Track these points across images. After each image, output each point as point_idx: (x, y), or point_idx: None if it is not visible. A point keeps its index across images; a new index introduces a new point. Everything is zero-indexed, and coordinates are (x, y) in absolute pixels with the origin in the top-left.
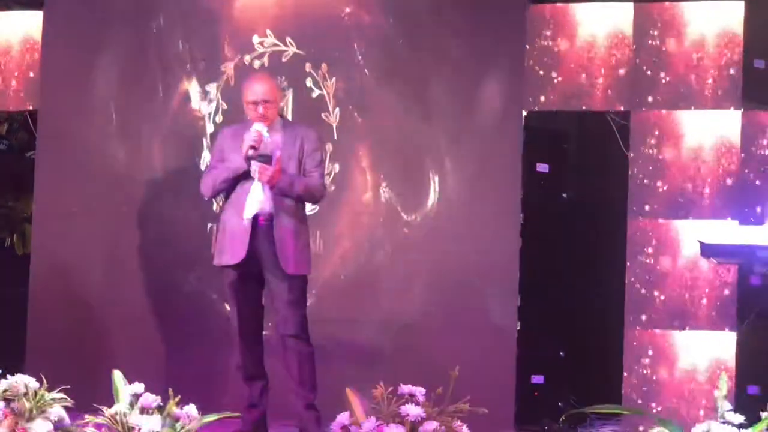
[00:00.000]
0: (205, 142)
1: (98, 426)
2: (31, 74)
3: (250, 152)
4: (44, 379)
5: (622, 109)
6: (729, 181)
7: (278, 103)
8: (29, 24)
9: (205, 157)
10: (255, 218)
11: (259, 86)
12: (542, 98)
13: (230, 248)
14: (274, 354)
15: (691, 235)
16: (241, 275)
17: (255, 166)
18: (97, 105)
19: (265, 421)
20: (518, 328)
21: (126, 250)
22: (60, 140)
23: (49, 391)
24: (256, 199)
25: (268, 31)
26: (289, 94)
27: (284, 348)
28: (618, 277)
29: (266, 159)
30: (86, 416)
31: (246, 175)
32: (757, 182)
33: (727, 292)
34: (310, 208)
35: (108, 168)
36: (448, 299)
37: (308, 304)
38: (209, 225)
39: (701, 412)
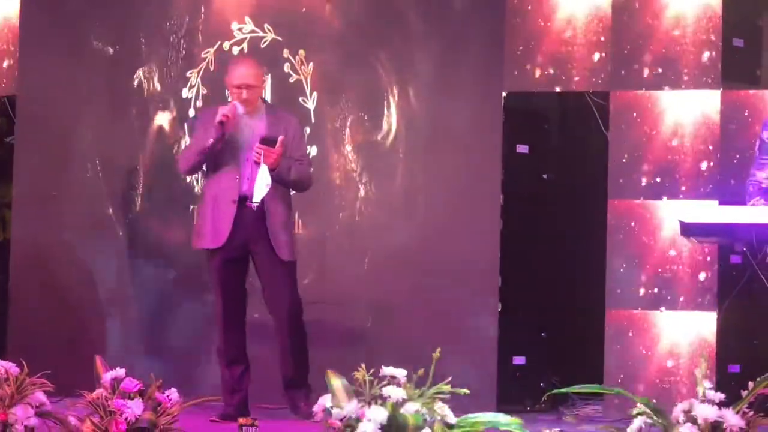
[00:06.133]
0: (186, 126)
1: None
2: (9, 59)
3: (222, 118)
4: (25, 364)
5: (601, 89)
6: (708, 161)
7: (261, 87)
8: (7, 8)
9: (187, 141)
10: (242, 202)
11: (244, 70)
12: (522, 79)
13: (212, 231)
14: (255, 338)
15: (671, 214)
16: (227, 260)
17: (260, 149)
18: (76, 89)
19: (247, 405)
20: (499, 309)
21: (106, 234)
22: (39, 125)
23: (30, 377)
24: (264, 182)
25: (247, 18)
26: (268, 79)
27: (279, 331)
28: (599, 258)
29: (270, 142)
30: (68, 401)
31: (224, 154)
32: (736, 160)
33: (707, 271)
34: None
35: (87, 153)
36: (429, 281)
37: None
38: (191, 207)
39: (682, 391)
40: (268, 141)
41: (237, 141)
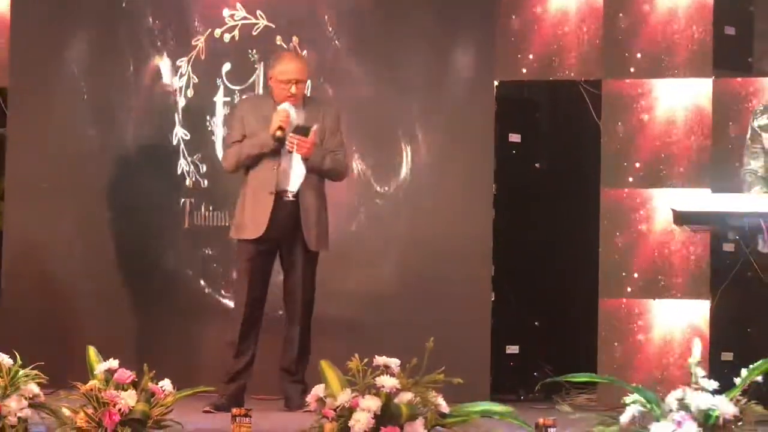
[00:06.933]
0: (177, 116)
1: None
2: (1, 51)
3: (278, 133)
4: (18, 356)
5: (593, 78)
6: (701, 149)
7: (306, 81)
8: None
9: (177, 132)
10: (279, 194)
11: (291, 66)
12: (514, 68)
13: (252, 222)
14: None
15: (664, 203)
16: (260, 251)
17: (293, 139)
18: (68, 81)
19: (242, 396)
20: (492, 298)
21: (99, 227)
22: (31, 117)
23: (24, 368)
24: (299, 173)
25: (239, 5)
26: (260, 68)
27: (290, 320)
28: (592, 246)
29: (304, 131)
30: (61, 393)
31: (271, 152)
32: (728, 148)
33: (700, 259)
34: None
35: (80, 144)
36: (422, 271)
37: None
38: (182, 200)
39: (676, 380)
40: (301, 130)
41: None
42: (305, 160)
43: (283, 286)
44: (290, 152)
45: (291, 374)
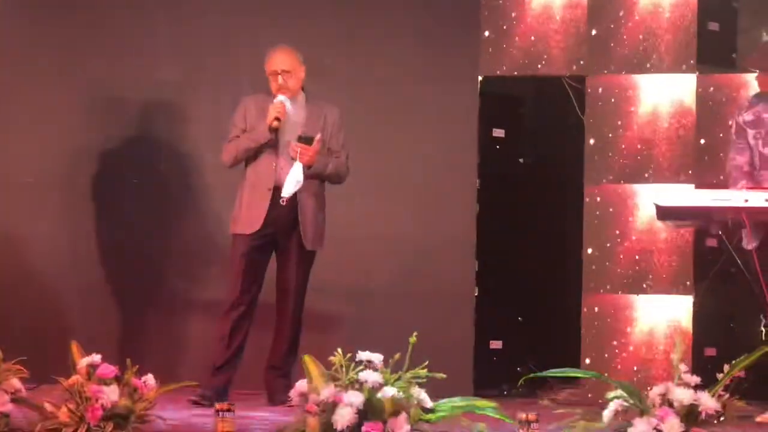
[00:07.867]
0: (162, 111)
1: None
2: None
3: (275, 123)
4: (0, 350)
5: (577, 73)
6: (684, 144)
7: (298, 74)
8: None
9: (162, 127)
10: (277, 190)
11: (279, 56)
12: (498, 63)
13: (247, 218)
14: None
15: (647, 198)
16: (256, 246)
17: (297, 147)
18: (52, 75)
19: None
20: (476, 293)
21: (82, 222)
22: (14, 110)
23: (5, 363)
24: (295, 179)
25: None
26: (246, 63)
27: (281, 316)
28: (575, 242)
29: (307, 140)
30: (43, 387)
31: (269, 147)
32: (712, 144)
33: (683, 255)
34: None
35: (64, 139)
36: (406, 266)
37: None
38: (166, 196)
39: (659, 375)
40: (305, 139)
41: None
42: (308, 168)
43: (276, 281)
44: (293, 158)
45: (278, 369)
